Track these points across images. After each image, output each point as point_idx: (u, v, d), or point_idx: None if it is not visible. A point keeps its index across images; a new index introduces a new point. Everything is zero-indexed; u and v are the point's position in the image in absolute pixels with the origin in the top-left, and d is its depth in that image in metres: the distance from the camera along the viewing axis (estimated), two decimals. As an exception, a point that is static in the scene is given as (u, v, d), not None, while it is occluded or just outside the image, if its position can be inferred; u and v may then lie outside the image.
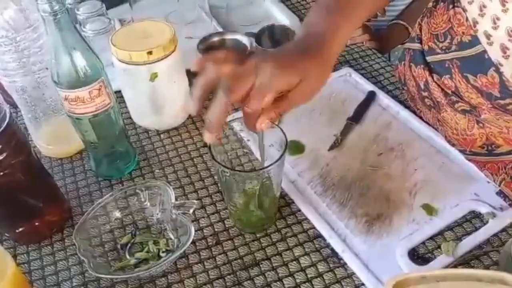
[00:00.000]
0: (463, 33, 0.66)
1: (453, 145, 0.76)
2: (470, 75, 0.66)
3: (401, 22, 1.21)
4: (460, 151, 0.75)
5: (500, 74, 0.62)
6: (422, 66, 0.76)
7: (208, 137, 0.55)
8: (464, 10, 0.66)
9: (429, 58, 0.74)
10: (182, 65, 0.81)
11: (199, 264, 0.65)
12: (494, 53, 0.62)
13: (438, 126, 0.79)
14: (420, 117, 0.82)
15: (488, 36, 0.62)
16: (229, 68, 0.53)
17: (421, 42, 0.77)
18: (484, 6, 0.62)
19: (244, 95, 0.52)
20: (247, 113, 0.53)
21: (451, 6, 0.69)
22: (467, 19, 0.65)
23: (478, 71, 0.65)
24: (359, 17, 0.62)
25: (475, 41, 0.64)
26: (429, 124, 0.80)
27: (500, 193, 0.68)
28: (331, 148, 0.78)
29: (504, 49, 0.60)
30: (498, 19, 0.60)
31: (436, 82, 0.74)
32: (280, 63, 0.53)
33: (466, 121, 0.71)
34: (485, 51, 0.63)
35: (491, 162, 0.74)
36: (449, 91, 0.71)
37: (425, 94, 0.77)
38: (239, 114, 0.63)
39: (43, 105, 0.76)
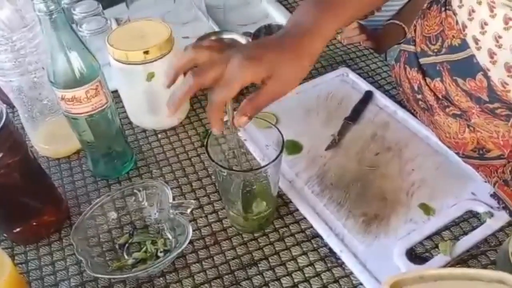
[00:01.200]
0: (453, 36, 0.66)
1: (448, 147, 0.76)
2: (460, 79, 0.66)
3: (397, 22, 1.21)
4: (455, 153, 0.75)
5: (488, 78, 0.62)
6: (416, 68, 0.76)
7: (168, 114, 0.57)
8: (455, 14, 0.66)
9: (421, 60, 0.74)
10: (179, 64, 0.81)
11: (197, 264, 0.65)
12: (482, 58, 0.62)
13: (432, 129, 0.79)
14: (417, 117, 0.82)
15: (476, 41, 0.62)
16: (205, 55, 0.55)
17: (415, 44, 0.77)
18: (473, 11, 0.62)
19: (212, 82, 0.54)
20: (212, 102, 0.54)
21: (443, 9, 0.69)
22: (457, 23, 0.65)
23: (467, 75, 0.65)
24: (346, 15, 0.62)
25: (464, 45, 0.65)
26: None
27: (494, 195, 0.69)
28: (329, 147, 0.78)
29: (491, 54, 0.60)
30: (486, 24, 0.60)
31: (428, 86, 0.74)
32: (251, 55, 0.54)
33: (457, 125, 0.71)
34: (473, 55, 0.63)
35: (484, 165, 0.74)
36: (440, 95, 0.71)
37: (419, 96, 0.77)
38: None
39: (40, 105, 0.75)
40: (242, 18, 1.10)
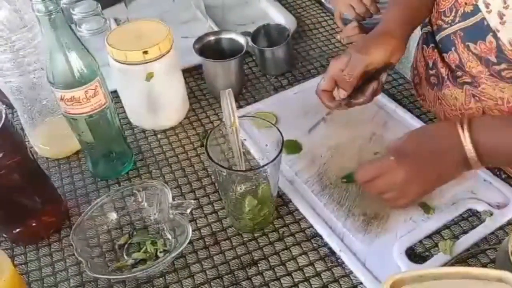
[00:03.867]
0: (466, 3, 0.70)
1: None
2: (471, 43, 0.70)
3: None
4: None
5: (497, 39, 0.66)
6: (432, 46, 0.80)
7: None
8: None
9: (438, 37, 0.78)
10: (178, 64, 0.81)
11: (197, 264, 0.65)
12: (493, 20, 0.66)
13: (437, 106, 0.80)
14: (419, 109, 0.83)
15: (487, 5, 0.66)
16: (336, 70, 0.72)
17: (430, 24, 0.79)
18: None
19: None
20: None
21: None
22: None
23: (478, 38, 0.69)
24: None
25: (476, 11, 0.68)
26: (424, 122, 0.81)
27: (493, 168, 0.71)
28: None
29: (501, 15, 0.64)
30: None
31: (443, 60, 0.76)
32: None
33: (464, 96, 0.73)
34: (484, 19, 0.67)
35: None
36: (454, 65, 0.74)
37: (432, 72, 0.80)
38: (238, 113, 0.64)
39: (39, 106, 0.75)
40: (241, 18, 1.10)
